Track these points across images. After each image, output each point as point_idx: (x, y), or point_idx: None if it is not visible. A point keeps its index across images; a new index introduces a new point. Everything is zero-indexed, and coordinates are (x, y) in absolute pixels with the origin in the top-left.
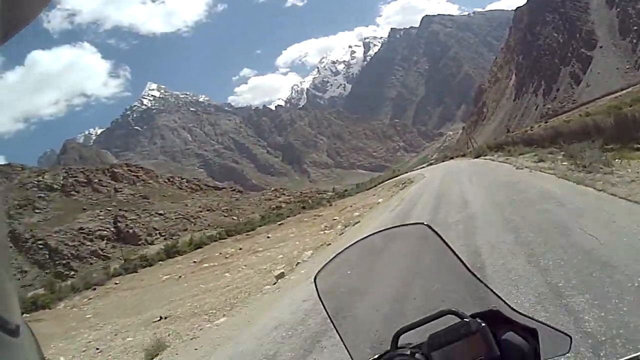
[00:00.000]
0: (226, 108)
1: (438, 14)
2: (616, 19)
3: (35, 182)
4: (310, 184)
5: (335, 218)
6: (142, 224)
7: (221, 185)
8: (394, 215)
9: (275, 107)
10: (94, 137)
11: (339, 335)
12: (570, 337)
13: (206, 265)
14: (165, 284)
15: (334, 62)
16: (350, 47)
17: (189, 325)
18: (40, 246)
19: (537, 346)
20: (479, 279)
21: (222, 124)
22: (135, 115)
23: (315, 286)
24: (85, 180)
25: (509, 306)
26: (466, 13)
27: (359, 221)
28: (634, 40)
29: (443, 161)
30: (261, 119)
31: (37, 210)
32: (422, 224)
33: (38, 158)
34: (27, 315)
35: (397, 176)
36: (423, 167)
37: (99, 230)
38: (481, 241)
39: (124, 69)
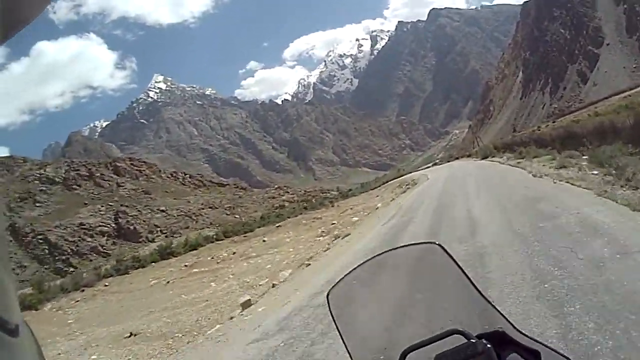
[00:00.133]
0: (232, 102)
1: (445, 7)
2: (623, 16)
3: (37, 175)
4: (315, 182)
5: (333, 222)
6: (144, 221)
7: (225, 182)
8: (383, 232)
9: (282, 101)
10: (99, 130)
11: (348, 352)
12: None
13: (196, 270)
14: (152, 290)
15: (341, 56)
16: (357, 40)
17: (151, 349)
18: (40, 241)
19: None
20: (487, 299)
21: (228, 118)
22: (141, 108)
23: (328, 303)
24: (87, 174)
25: (515, 327)
26: (473, 7)
27: (350, 233)
28: None
29: (448, 161)
30: (267, 113)
31: (38, 204)
32: (434, 243)
33: (43, 150)
34: None
35: (401, 176)
36: (428, 167)
37: (100, 226)
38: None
39: (130, 60)
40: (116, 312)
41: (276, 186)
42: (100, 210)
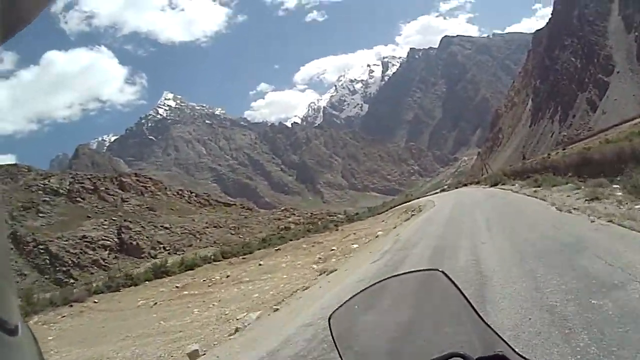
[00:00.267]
0: (242, 123)
1: (457, 35)
2: (634, 44)
3: (41, 185)
4: (324, 205)
5: (332, 249)
6: (147, 237)
7: (231, 202)
8: (370, 275)
9: (292, 124)
10: (107, 144)
11: None
12: None
13: (186, 292)
14: (137, 311)
15: (352, 81)
16: (368, 65)
17: None
18: (42, 251)
19: None
20: (487, 324)
21: (237, 138)
22: (150, 125)
23: (330, 326)
24: (92, 188)
25: (515, 351)
26: (485, 35)
27: (337, 269)
28: None
29: (456, 187)
30: (276, 135)
31: (40, 214)
32: (437, 270)
33: (50, 161)
34: None
35: (409, 201)
36: (436, 193)
37: (102, 239)
38: None
39: (140, 76)
40: (96, 333)
41: (282, 208)
42: (103, 224)
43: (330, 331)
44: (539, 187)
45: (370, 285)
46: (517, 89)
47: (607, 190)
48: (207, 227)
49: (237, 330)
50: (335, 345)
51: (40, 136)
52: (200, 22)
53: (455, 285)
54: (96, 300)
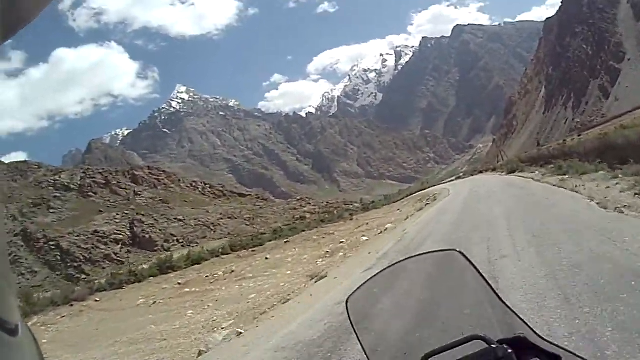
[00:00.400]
0: (256, 114)
1: (469, 24)
2: None
3: (51, 181)
4: (340, 194)
5: (342, 241)
6: (160, 230)
7: (246, 193)
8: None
9: (306, 114)
10: (120, 138)
11: (368, 358)
12: None
13: (187, 290)
14: (135, 311)
15: (365, 71)
16: (381, 55)
17: None
18: (52, 247)
19: None
20: (507, 305)
21: (251, 129)
22: (163, 118)
23: (347, 309)
24: (104, 182)
25: (535, 333)
26: (497, 23)
27: (326, 275)
28: None
29: (472, 175)
30: (291, 125)
31: (51, 210)
32: (455, 250)
33: (62, 157)
34: None
35: (425, 189)
36: (452, 180)
37: (115, 234)
38: None
39: (152, 70)
40: (89, 336)
41: (298, 197)
42: (115, 218)
43: (348, 314)
44: (565, 175)
45: (388, 267)
46: (530, 77)
47: None
48: (222, 219)
49: (200, 354)
50: (353, 328)
51: (51, 133)
52: (211, 16)
53: (474, 266)
54: (97, 299)
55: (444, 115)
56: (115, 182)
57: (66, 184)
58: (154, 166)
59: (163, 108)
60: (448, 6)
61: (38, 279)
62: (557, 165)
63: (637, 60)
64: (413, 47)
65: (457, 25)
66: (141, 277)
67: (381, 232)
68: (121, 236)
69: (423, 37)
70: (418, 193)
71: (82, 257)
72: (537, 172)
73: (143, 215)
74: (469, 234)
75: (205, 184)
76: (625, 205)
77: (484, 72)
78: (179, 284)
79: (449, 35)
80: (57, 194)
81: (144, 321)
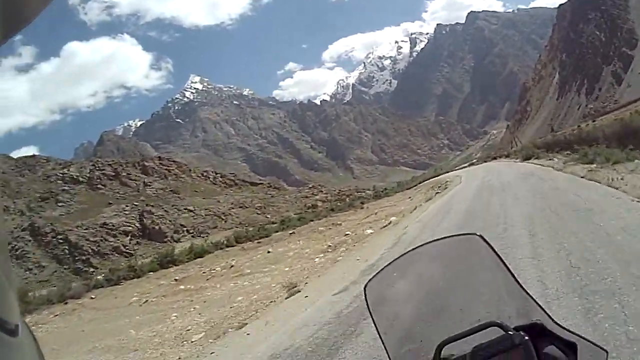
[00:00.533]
0: (270, 102)
1: (483, 11)
2: None
3: (60, 175)
4: (354, 181)
5: (347, 233)
6: (170, 221)
7: (258, 181)
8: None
9: (320, 102)
10: (133, 129)
11: (383, 344)
12: (607, 352)
13: (182, 287)
14: (125, 311)
15: (380, 58)
16: (396, 42)
17: None
18: (61, 241)
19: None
20: (526, 291)
21: (265, 118)
22: (177, 108)
23: (365, 295)
24: (113, 174)
25: (552, 319)
26: (510, 10)
27: (300, 290)
28: None
29: (485, 161)
30: (305, 113)
31: (60, 204)
32: (475, 234)
33: (74, 149)
34: None
35: (438, 175)
36: (465, 167)
37: (124, 225)
38: None
39: (165, 61)
40: (74, 339)
41: (311, 185)
42: (124, 210)
43: (366, 299)
44: (591, 163)
45: (405, 252)
46: (543, 63)
47: None
48: (233, 208)
49: None
50: (370, 314)
51: (63, 126)
52: (224, 5)
53: (494, 251)
54: (93, 296)
55: (458, 101)
56: (124, 174)
57: (75, 176)
58: (165, 156)
59: (176, 98)
60: None
61: (46, 273)
62: (581, 152)
63: None
64: (427, 34)
65: (471, 12)
66: (140, 272)
67: (385, 226)
68: (130, 228)
69: (437, 24)
70: (430, 180)
71: (90, 250)
72: (555, 159)
73: (153, 206)
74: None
75: (217, 174)
76: None
77: (499, 59)
78: (176, 280)
79: (463, 22)
80: (66, 187)
81: (128, 324)
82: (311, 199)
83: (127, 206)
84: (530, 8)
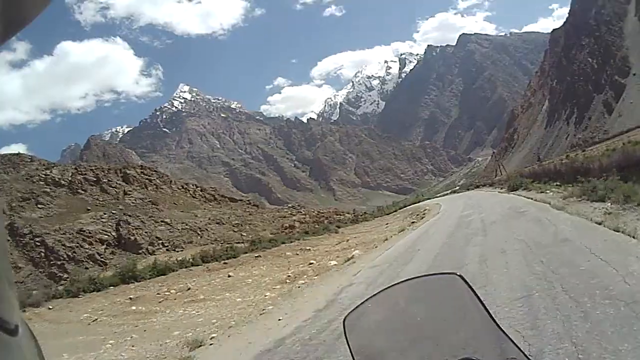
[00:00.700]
0: (257, 117)
1: (475, 33)
2: None
3: (43, 176)
4: (335, 202)
5: (311, 262)
6: (146, 232)
7: (237, 198)
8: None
9: (308, 119)
10: (120, 135)
11: None
12: None
13: (134, 308)
14: (72, 328)
15: (369, 77)
16: (386, 62)
17: None
18: (38, 243)
19: None
20: (502, 329)
21: (252, 132)
22: (164, 117)
23: (344, 328)
24: (95, 179)
25: (527, 357)
26: (503, 33)
27: (213, 344)
28: None
29: (468, 189)
30: (292, 130)
31: (40, 205)
32: (455, 274)
33: (62, 151)
34: None
35: (419, 201)
36: (447, 194)
37: (100, 233)
38: None
39: (156, 68)
40: None
41: (290, 205)
42: (102, 218)
43: (345, 333)
44: (602, 200)
45: (386, 288)
46: (533, 89)
47: None
48: (210, 224)
49: None
50: (349, 347)
51: (52, 126)
52: (217, 14)
53: (473, 291)
54: (51, 307)
55: (445, 126)
56: (105, 180)
57: (57, 179)
58: (147, 166)
59: (165, 107)
60: (455, 14)
61: (22, 275)
62: (585, 185)
63: None
64: (417, 54)
65: (463, 34)
66: (101, 285)
67: (348, 259)
68: (106, 236)
69: (428, 45)
70: (411, 206)
71: (65, 256)
72: (550, 192)
73: (130, 216)
74: None
75: (197, 187)
76: None
77: (488, 83)
78: (130, 299)
79: (454, 43)
80: (47, 189)
81: (67, 345)
82: (289, 219)
83: (105, 214)
84: (524, 32)
